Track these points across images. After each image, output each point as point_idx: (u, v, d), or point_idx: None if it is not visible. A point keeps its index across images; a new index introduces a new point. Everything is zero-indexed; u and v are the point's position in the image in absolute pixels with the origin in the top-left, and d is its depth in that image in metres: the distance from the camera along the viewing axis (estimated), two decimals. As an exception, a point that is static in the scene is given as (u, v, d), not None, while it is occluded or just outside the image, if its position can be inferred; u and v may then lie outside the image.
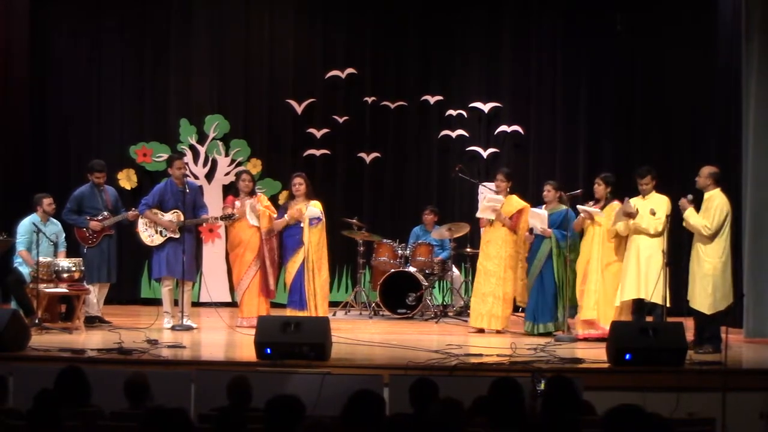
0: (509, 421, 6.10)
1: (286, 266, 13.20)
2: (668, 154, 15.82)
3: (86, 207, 13.22)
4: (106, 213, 13.24)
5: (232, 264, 13.54)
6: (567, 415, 6.02)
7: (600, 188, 12.43)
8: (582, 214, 12.35)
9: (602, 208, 12.30)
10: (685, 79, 15.99)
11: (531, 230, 13.00)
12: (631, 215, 11.71)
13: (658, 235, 11.60)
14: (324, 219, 13.24)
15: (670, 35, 16.08)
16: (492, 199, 13.25)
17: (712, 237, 11.17)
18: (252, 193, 13.45)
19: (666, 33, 16.10)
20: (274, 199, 14.54)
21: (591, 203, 12.53)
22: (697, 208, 11.29)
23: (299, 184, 13.24)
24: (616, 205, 12.09)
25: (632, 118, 16.29)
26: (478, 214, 13.57)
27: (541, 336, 12.48)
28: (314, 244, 13.06)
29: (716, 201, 11.24)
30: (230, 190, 14.62)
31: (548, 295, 12.69)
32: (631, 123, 16.29)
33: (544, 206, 12.91)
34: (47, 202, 13.08)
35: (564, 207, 12.73)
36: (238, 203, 13.22)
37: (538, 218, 12.76)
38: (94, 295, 13.15)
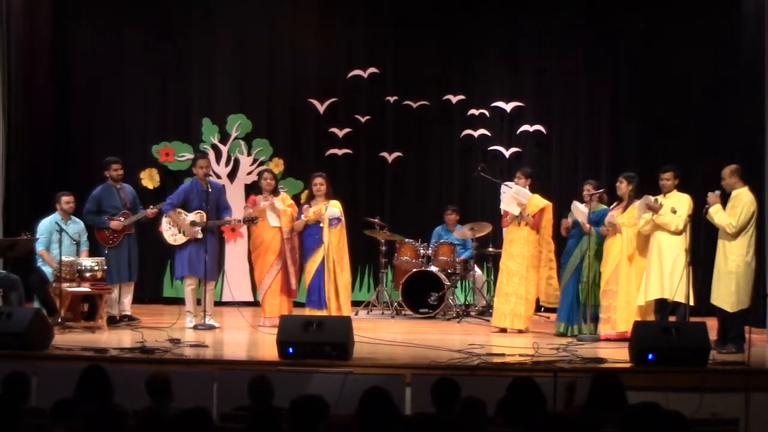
0: (528, 421, 6.09)
1: (305, 266, 13.16)
2: (691, 153, 15.69)
3: (105, 206, 13.20)
4: (125, 211, 13.26)
5: (254, 263, 13.52)
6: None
7: (622, 186, 12.36)
8: (607, 225, 12.28)
9: (625, 208, 12.24)
10: (708, 77, 15.93)
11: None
12: (654, 208, 11.66)
13: (679, 233, 11.55)
14: (344, 219, 13.24)
15: (693, 33, 15.99)
16: (519, 191, 13.16)
17: (735, 235, 11.10)
18: (275, 192, 13.43)
19: (689, 31, 16.01)
20: (296, 199, 14.50)
21: (615, 204, 12.49)
22: (724, 206, 11.23)
23: (320, 184, 13.23)
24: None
25: (655, 117, 16.22)
26: (503, 206, 13.47)
27: (573, 337, 12.41)
28: (334, 244, 13.05)
29: (744, 199, 11.14)
30: (252, 190, 14.64)
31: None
32: (653, 122, 16.21)
33: (584, 204, 12.78)
34: (65, 200, 13.06)
35: (604, 206, 12.66)
36: (260, 203, 13.22)
37: (580, 214, 12.63)
38: (116, 295, 13.19)
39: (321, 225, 13.07)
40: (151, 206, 13.36)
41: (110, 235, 13.15)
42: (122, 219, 13.14)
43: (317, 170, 13.98)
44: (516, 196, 13.11)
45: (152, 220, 13.50)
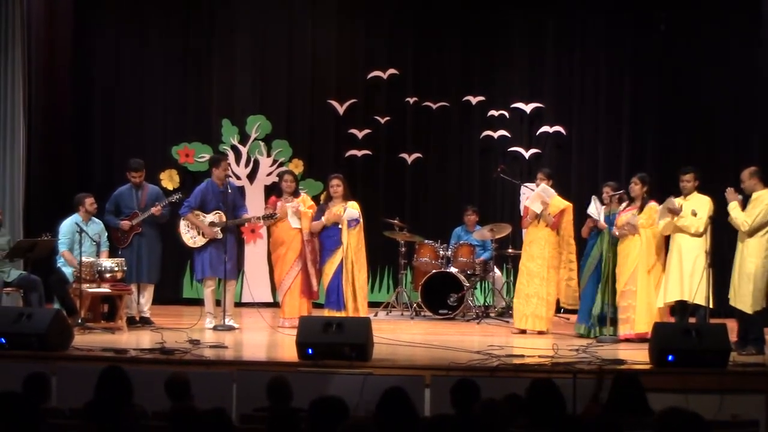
0: (549, 423, 6.08)
1: (323, 267, 13.16)
2: (711, 155, 15.67)
3: (122, 207, 13.27)
4: (135, 211, 13.25)
5: (274, 264, 13.53)
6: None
7: (636, 187, 12.33)
8: (626, 227, 12.23)
9: (640, 208, 12.21)
10: (729, 79, 15.89)
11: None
12: (675, 212, 11.62)
13: (699, 235, 11.50)
14: (362, 220, 13.23)
15: (714, 34, 15.96)
16: (546, 189, 13.11)
17: (750, 234, 11.05)
18: (295, 194, 13.43)
19: (709, 32, 15.98)
20: (315, 200, 14.50)
21: (626, 203, 12.46)
22: (745, 209, 11.19)
23: (337, 185, 13.23)
24: (654, 206, 12.04)
25: (675, 118, 16.17)
26: (527, 203, 13.40)
27: (594, 338, 12.35)
28: (353, 245, 13.05)
29: (764, 201, 11.08)
30: (272, 191, 14.63)
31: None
32: (674, 123, 16.16)
33: (603, 207, 12.74)
34: (89, 202, 13.11)
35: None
36: (279, 203, 13.23)
37: (594, 211, 12.61)
38: (134, 296, 13.21)
39: (339, 226, 13.07)
40: (156, 203, 13.35)
41: (121, 236, 13.21)
42: (130, 218, 13.19)
43: (337, 171, 14.00)
44: (542, 194, 13.07)
45: (172, 220, 13.49)
